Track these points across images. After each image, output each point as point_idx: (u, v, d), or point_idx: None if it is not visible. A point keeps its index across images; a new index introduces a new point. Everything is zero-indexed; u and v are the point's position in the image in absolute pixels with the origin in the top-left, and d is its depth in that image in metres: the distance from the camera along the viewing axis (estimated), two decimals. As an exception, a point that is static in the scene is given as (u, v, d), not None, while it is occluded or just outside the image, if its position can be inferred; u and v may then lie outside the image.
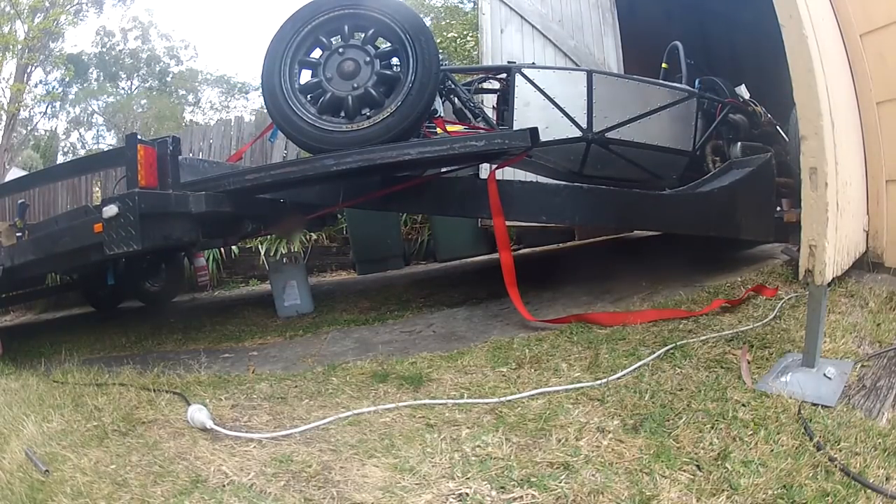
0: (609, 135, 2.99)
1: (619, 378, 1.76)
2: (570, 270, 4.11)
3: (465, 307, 3.18)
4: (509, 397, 1.69)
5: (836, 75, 2.03)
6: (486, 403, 1.67)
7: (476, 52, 6.52)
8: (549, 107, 2.96)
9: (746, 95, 3.60)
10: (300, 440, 1.57)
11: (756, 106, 3.51)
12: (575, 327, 2.37)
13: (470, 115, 2.98)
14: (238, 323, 3.60)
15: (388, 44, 2.56)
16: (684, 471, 1.23)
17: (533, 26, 4.59)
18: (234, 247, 5.95)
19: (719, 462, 1.23)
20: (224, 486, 1.35)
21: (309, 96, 2.57)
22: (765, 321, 2.09)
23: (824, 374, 1.57)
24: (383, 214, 5.26)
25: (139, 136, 2.37)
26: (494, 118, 3.16)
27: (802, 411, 1.39)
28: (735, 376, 1.65)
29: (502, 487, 1.22)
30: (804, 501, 1.09)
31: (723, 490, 1.14)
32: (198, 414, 1.69)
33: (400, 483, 1.28)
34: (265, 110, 2.93)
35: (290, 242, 5.70)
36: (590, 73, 3.04)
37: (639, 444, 1.34)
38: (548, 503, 1.16)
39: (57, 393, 2.24)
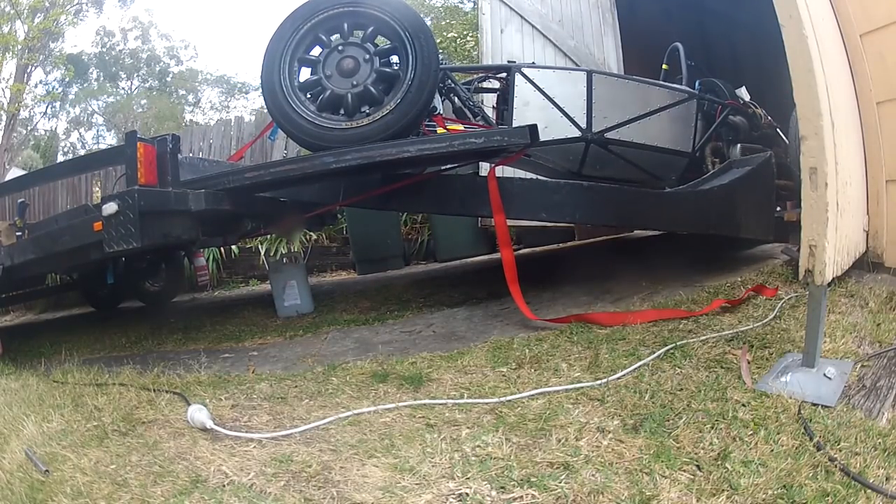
0: (608, 135, 2.99)
1: (619, 378, 1.76)
2: (570, 270, 4.11)
3: (465, 307, 3.17)
4: (509, 397, 1.69)
5: (836, 75, 2.03)
6: (486, 403, 1.67)
7: (476, 52, 6.52)
8: (549, 106, 2.96)
9: (747, 97, 3.60)
10: (300, 440, 1.57)
11: (756, 108, 3.52)
12: (575, 327, 2.37)
13: (469, 114, 2.98)
14: (238, 323, 3.60)
15: (388, 42, 2.56)
16: (684, 471, 1.22)
17: (533, 26, 4.59)
18: (234, 247, 5.95)
19: (719, 462, 1.23)
20: (224, 486, 1.35)
21: (308, 94, 2.57)
22: (765, 321, 2.09)
23: (824, 374, 1.57)
24: (383, 214, 5.26)
25: (139, 135, 2.37)
26: (494, 118, 3.16)
27: (802, 411, 1.39)
28: (735, 376, 1.65)
29: (502, 487, 1.22)
30: (804, 501, 1.08)
31: (723, 490, 1.14)
32: (198, 414, 1.69)
33: (400, 483, 1.28)
34: (265, 110, 2.93)
35: (290, 242, 5.70)
36: (589, 73, 3.04)
37: (639, 444, 1.34)
38: (548, 503, 1.16)
39: (57, 393, 2.23)
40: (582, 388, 1.71)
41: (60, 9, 13.50)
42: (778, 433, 1.32)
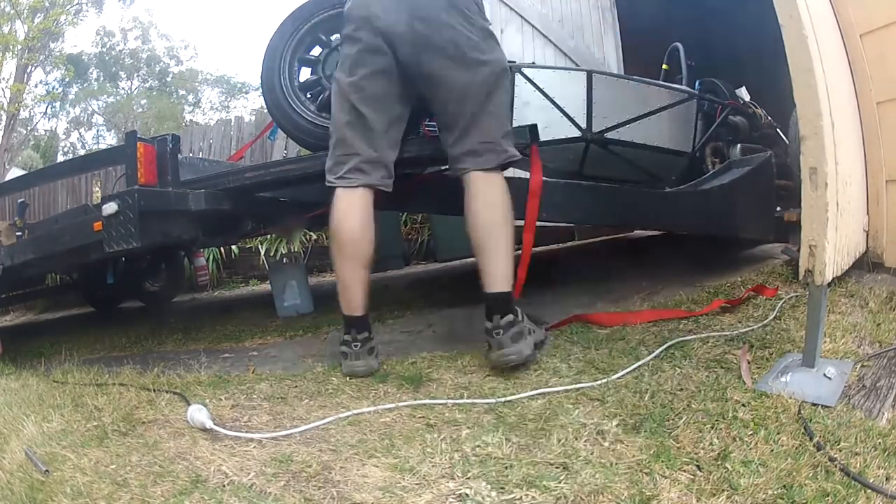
0: (608, 135, 2.99)
1: (619, 378, 1.76)
2: (570, 270, 4.11)
3: (465, 307, 3.17)
4: (509, 397, 1.69)
5: (836, 75, 2.02)
6: (486, 403, 1.67)
7: (476, 52, 6.49)
8: (549, 107, 2.96)
9: (747, 97, 3.61)
10: (300, 440, 1.57)
11: (756, 108, 3.52)
12: (575, 327, 2.37)
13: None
14: (238, 323, 3.60)
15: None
16: (684, 471, 1.22)
17: (533, 26, 4.58)
18: (234, 247, 5.95)
19: (719, 462, 1.23)
20: (224, 486, 1.35)
21: (308, 94, 2.57)
22: (765, 321, 2.09)
23: (824, 374, 1.56)
24: (383, 214, 5.22)
25: (139, 135, 2.37)
26: (494, 118, 3.15)
27: (802, 411, 1.39)
28: (735, 376, 1.65)
29: (502, 488, 1.22)
30: (804, 501, 1.08)
31: (723, 490, 1.14)
32: (198, 414, 1.69)
33: (400, 483, 1.28)
34: (265, 110, 2.93)
35: (290, 242, 5.70)
36: (590, 73, 3.04)
37: (639, 444, 1.34)
38: (548, 503, 1.16)
39: (57, 393, 2.23)
40: (582, 388, 1.71)
41: (60, 9, 13.51)
42: (778, 433, 1.32)
